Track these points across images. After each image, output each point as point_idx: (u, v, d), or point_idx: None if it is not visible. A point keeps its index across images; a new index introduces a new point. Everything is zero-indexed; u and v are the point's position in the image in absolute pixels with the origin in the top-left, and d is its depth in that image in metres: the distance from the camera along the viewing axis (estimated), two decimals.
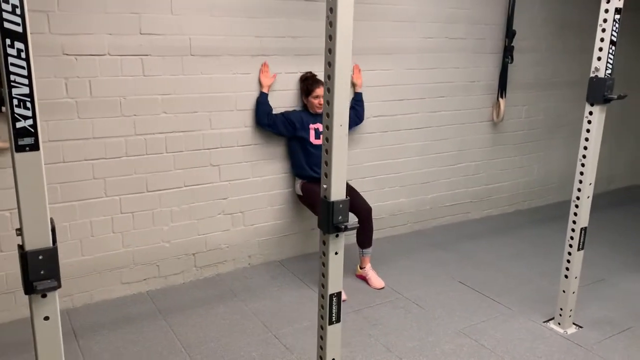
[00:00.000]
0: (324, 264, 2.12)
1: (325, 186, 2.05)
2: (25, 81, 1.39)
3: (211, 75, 3.38)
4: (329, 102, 1.96)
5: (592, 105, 2.82)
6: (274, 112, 3.62)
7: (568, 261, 3.06)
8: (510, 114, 4.91)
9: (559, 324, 3.14)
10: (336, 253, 2.11)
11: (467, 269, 3.91)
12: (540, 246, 4.35)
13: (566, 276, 3.07)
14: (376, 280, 3.61)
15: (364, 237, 3.65)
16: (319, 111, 3.63)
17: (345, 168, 2.01)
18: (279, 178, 3.82)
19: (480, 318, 3.24)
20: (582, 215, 2.96)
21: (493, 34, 4.58)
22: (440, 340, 3.00)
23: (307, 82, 3.63)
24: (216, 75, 3.40)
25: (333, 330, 2.18)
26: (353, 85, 3.91)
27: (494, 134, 4.90)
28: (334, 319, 2.17)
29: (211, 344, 2.91)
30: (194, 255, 3.61)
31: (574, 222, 2.99)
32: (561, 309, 3.12)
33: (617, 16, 2.67)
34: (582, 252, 3.04)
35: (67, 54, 2.94)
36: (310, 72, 3.69)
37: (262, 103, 3.55)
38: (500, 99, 4.70)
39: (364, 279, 3.68)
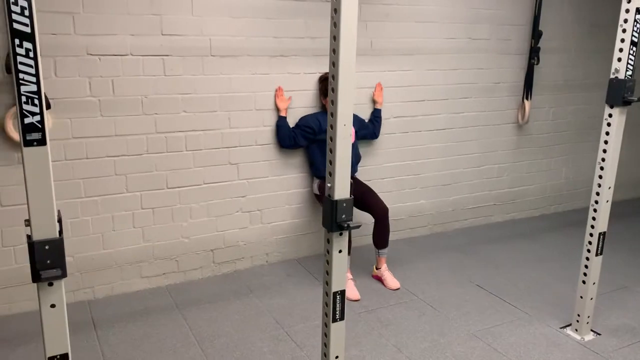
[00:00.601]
0: (327, 262, 2.15)
1: (329, 185, 2.07)
2: (33, 79, 1.47)
3: (231, 76, 3.45)
4: (333, 102, 1.98)
5: (611, 107, 2.75)
6: (291, 113, 3.67)
7: (586, 266, 2.99)
8: (537, 116, 4.82)
9: (576, 330, 3.08)
10: (340, 251, 2.13)
11: (486, 273, 3.86)
12: (564, 251, 4.26)
13: (584, 282, 3.01)
14: (392, 281, 3.61)
15: (380, 238, 3.65)
16: None
17: (349, 167, 2.01)
18: (297, 177, 3.86)
19: (495, 321, 3.20)
20: (601, 220, 2.89)
21: (518, 35, 4.51)
22: (452, 342, 2.98)
23: (326, 83, 3.65)
24: (236, 75, 3.46)
25: (337, 328, 2.19)
26: (374, 102, 3.96)
27: (519, 136, 4.82)
28: (337, 317, 2.19)
29: (224, 338, 2.97)
30: (213, 251, 3.68)
31: (592, 226, 2.93)
32: (578, 315, 3.06)
33: (639, 16, 2.61)
34: (600, 257, 2.97)
35: (91, 54, 3.05)
36: None
37: (282, 127, 3.62)
38: (525, 101, 4.63)
39: (379, 279, 3.68)
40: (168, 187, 3.43)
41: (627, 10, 2.62)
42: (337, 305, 2.18)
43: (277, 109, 3.64)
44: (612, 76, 2.72)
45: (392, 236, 4.38)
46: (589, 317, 3.05)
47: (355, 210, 3.85)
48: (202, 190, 3.54)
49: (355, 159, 3.80)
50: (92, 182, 3.21)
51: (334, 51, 1.93)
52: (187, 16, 3.25)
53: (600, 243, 2.94)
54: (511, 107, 4.69)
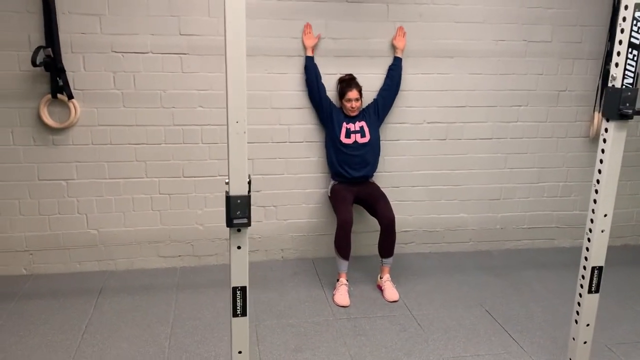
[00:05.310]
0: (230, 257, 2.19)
1: (226, 181, 2.11)
2: None
3: (247, 74, 3.57)
4: (227, 97, 2.02)
5: (607, 120, 2.34)
6: (308, 114, 3.71)
7: (579, 304, 2.58)
8: None
9: None
10: (239, 247, 2.16)
11: (507, 299, 3.49)
12: (623, 289, 3.66)
13: (576, 321, 2.60)
14: (390, 293, 3.45)
15: (384, 246, 3.51)
16: (352, 114, 3.60)
17: (246, 164, 2.04)
18: (315, 177, 3.87)
19: (478, 351, 2.91)
20: (595, 253, 2.47)
21: (591, 37, 3.97)
22: None
23: (342, 85, 3.61)
24: (252, 74, 3.59)
25: (238, 323, 2.21)
26: (394, 47, 3.74)
27: (592, 152, 4.23)
28: (239, 312, 2.21)
29: (196, 322, 3.13)
30: (227, 240, 3.86)
31: (586, 258, 2.51)
32: (570, 359, 2.65)
33: (638, 13, 2.18)
34: (596, 295, 2.54)
35: (115, 51, 3.42)
36: (349, 75, 3.66)
37: (308, 67, 3.60)
38: (595, 113, 4.05)
39: (381, 289, 3.54)
40: (184, 176, 3.69)
41: (626, 7, 2.21)
42: (238, 300, 2.21)
43: (304, 48, 3.62)
44: (609, 84, 2.31)
45: (423, 248, 4.21)
46: None
47: (366, 214, 3.75)
48: (217, 181, 3.74)
49: (373, 158, 3.68)
50: (115, 166, 3.59)
51: (225, 46, 1.98)
52: (204, 17, 3.47)
53: (595, 279, 2.51)
54: (582, 119, 4.15)
